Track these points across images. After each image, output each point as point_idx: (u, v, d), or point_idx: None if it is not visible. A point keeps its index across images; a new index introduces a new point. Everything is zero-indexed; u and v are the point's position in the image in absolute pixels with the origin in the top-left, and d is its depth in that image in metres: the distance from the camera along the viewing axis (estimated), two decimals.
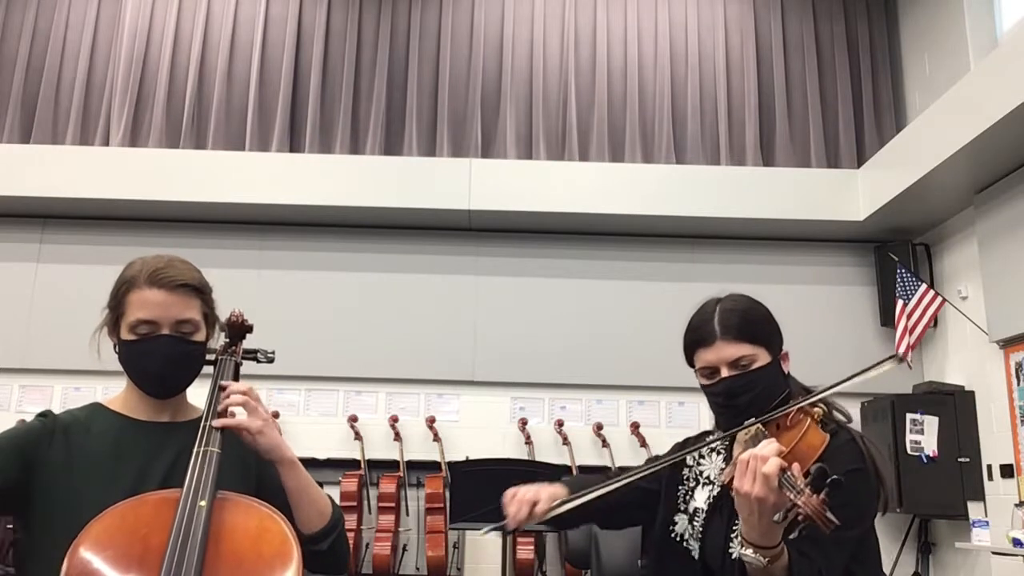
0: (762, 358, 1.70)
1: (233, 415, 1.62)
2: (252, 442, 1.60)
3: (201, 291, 1.68)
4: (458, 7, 7.24)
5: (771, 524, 1.38)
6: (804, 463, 1.43)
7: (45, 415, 1.65)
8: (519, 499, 1.76)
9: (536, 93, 7.04)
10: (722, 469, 1.73)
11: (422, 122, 7.02)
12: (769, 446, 1.43)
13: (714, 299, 1.78)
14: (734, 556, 1.61)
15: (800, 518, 1.31)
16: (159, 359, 1.61)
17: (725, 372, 1.69)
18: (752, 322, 1.73)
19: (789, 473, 1.37)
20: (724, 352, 1.69)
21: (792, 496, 1.33)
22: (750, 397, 1.66)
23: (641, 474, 1.74)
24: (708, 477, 1.78)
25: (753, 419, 1.62)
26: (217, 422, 1.59)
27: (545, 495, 1.77)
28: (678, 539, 1.75)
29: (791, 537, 1.38)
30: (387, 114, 7.02)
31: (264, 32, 7.13)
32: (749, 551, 1.42)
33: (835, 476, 1.32)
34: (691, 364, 1.80)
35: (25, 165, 6.46)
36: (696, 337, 1.75)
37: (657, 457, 1.97)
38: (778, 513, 1.35)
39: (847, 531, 1.57)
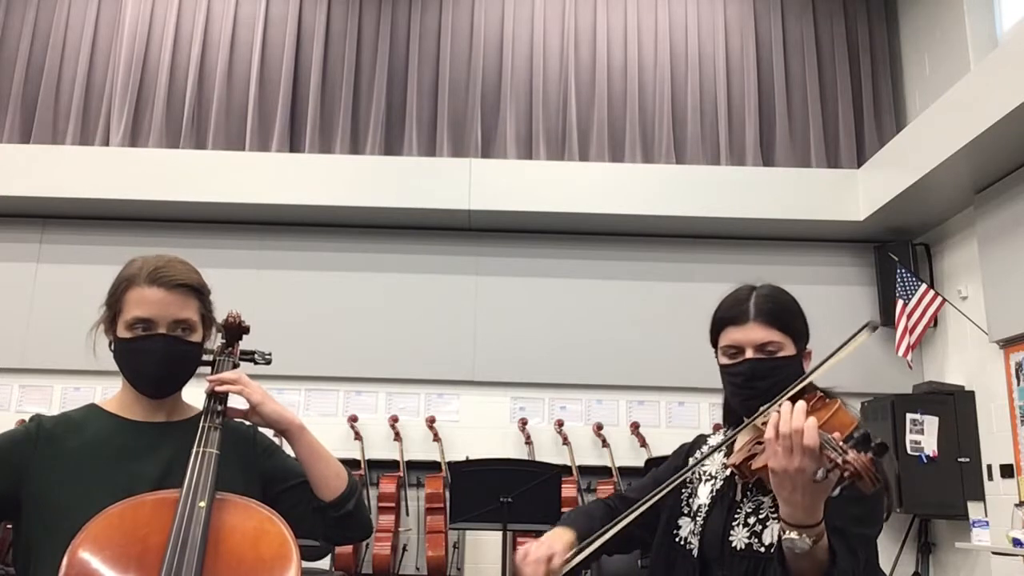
0: (788, 349, 1.70)
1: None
2: (258, 416, 1.65)
3: (200, 292, 1.67)
4: (458, 7, 7.24)
5: (815, 495, 1.38)
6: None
7: (32, 420, 1.65)
8: (533, 559, 1.67)
9: (536, 93, 7.04)
10: (724, 464, 1.72)
11: (422, 122, 7.02)
12: (798, 413, 1.40)
13: (750, 285, 1.79)
14: (751, 543, 1.59)
15: (846, 475, 1.29)
16: (155, 358, 1.61)
17: (750, 354, 1.69)
18: (787, 312, 1.74)
19: (829, 437, 1.35)
20: (754, 334, 1.69)
21: (835, 456, 1.31)
22: (770, 383, 1.65)
23: (644, 507, 1.68)
24: (711, 474, 1.77)
25: (769, 403, 1.59)
26: (220, 388, 1.64)
27: (559, 547, 1.70)
28: (682, 543, 1.73)
29: (833, 495, 1.36)
30: (387, 114, 7.02)
31: (264, 32, 7.13)
32: (793, 534, 1.40)
33: (881, 440, 1.30)
34: (714, 343, 1.78)
35: (25, 165, 6.46)
36: (729, 315, 1.74)
37: (660, 459, 1.94)
38: (819, 471, 1.33)
39: (869, 529, 1.58)
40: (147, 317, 1.60)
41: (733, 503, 1.67)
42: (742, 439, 1.67)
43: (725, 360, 1.74)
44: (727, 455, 1.72)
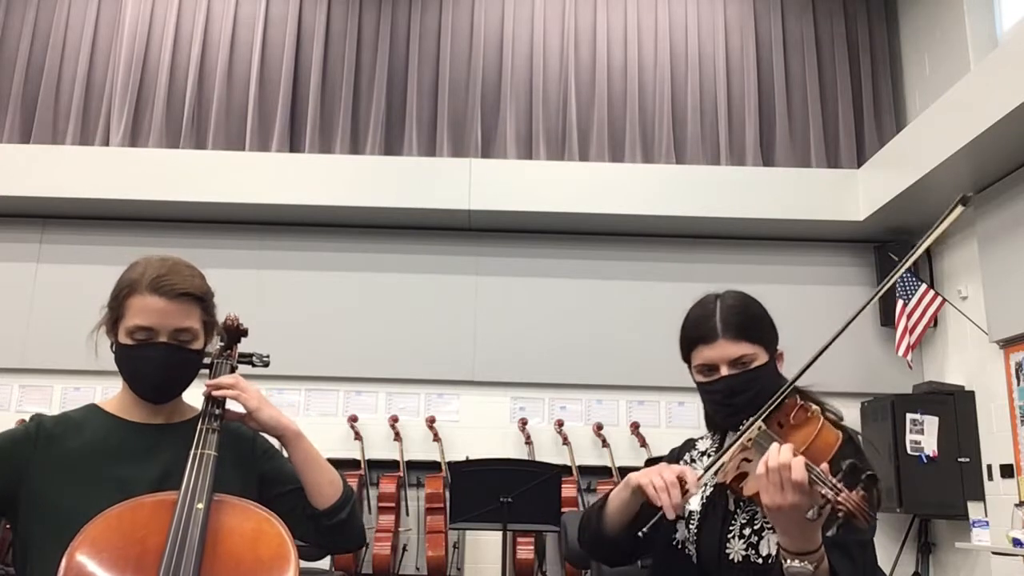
0: (761, 357, 1.69)
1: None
2: (254, 421, 1.64)
3: (202, 299, 1.66)
4: (458, 7, 7.24)
5: (811, 528, 1.38)
6: (820, 461, 1.41)
7: (32, 420, 1.65)
8: (666, 483, 1.57)
9: (536, 93, 7.04)
10: (713, 474, 1.72)
11: (422, 122, 7.02)
12: (785, 451, 1.41)
13: (713, 295, 1.76)
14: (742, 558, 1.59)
15: (840, 515, 1.30)
16: (155, 366, 1.60)
17: (725, 370, 1.67)
18: (754, 321, 1.72)
19: (818, 471, 1.36)
20: (726, 351, 1.67)
21: (826, 492, 1.32)
22: (749, 396, 1.65)
23: (724, 455, 1.63)
24: (702, 480, 1.76)
25: (752, 418, 1.59)
26: (216, 392, 1.64)
27: (679, 468, 1.61)
28: (679, 546, 1.73)
29: (829, 534, 1.36)
30: (387, 114, 7.02)
31: (264, 32, 7.13)
32: (796, 563, 1.41)
33: (869, 471, 1.30)
34: (686, 359, 1.77)
35: (25, 165, 6.46)
36: (697, 334, 1.72)
37: (658, 460, 1.94)
38: (811, 510, 1.33)
39: (867, 533, 1.56)
40: (148, 326, 1.60)
41: (727, 513, 1.67)
42: (730, 452, 1.67)
43: (700, 378, 1.73)
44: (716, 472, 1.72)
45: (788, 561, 1.42)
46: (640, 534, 1.56)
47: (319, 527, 1.67)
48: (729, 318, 1.70)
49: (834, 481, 1.32)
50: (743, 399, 1.66)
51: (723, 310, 1.72)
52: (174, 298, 1.60)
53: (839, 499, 1.30)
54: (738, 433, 1.61)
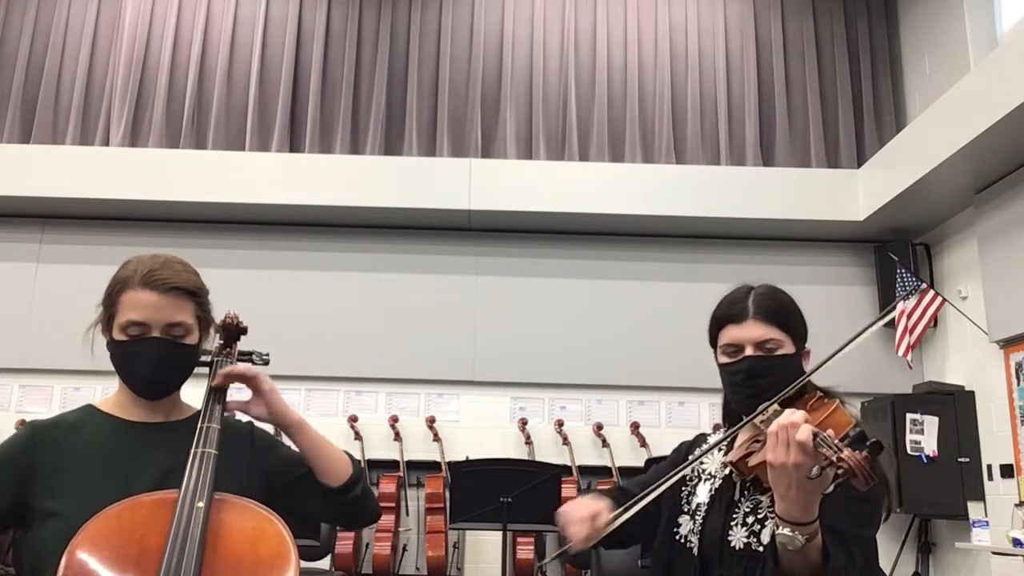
0: (787, 347, 1.71)
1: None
2: (262, 407, 1.68)
3: (195, 294, 1.66)
4: (458, 7, 7.24)
5: (810, 492, 1.39)
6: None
7: (26, 428, 1.64)
8: (578, 517, 1.67)
9: (536, 93, 7.04)
10: (723, 463, 1.72)
11: (422, 122, 7.02)
12: (796, 414, 1.43)
13: (748, 284, 1.80)
14: (756, 540, 1.60)
15: (840, 472, 1.31)
16: (148, 361, 1.60)
17: (750, 352, 1.70)
18: (785, 310, 1.75)
19: (824, 435, 1.37)
20: (753, 332, 1.70)
21: (830, 454, 1.33)
22: (770, 381, 1.66)
23: (673, 480, 1.69)
24: (710, 473, 1.77)
25: (771, 400, 1.60)
26: (232, 372, 1.68)
27: (600, 506, 1.69)
28: (683, 540, 1.74)
29: (827, 492, 1.37)
30: (387, 114, 7.02)
31: (264, 32, 7.13)
32: (787, 530, 1.42)
33: (876, 439, 1.31)
34: (713, 342, 1.80)
35: (25, 165, 6.47)
36: (728, 312, 1.75)
37: (660, 459, 1.94)
38: (813, 468, 1.34)
39: (868, 530, 1.58)
40: (140, 320, 1.60)
41: (732, 502, 1.68)
42: (741, 437, 1.68)
43: (724, 359, 1.75)
44: (726, 453, 1.72)
45: (780, 528, 1.43)
46: (538, 567, 1.63)
47: (335, 504, 1.71)
48: (761, 301, 1.74)
49: (839, 444, 1.34)
50: (764, 383, 1.67)
51: (757, 295, 1.75)
52: (166, 292, 1.60)
53: (841, 456, 1.31)
54: (755, 412, 1.62)
